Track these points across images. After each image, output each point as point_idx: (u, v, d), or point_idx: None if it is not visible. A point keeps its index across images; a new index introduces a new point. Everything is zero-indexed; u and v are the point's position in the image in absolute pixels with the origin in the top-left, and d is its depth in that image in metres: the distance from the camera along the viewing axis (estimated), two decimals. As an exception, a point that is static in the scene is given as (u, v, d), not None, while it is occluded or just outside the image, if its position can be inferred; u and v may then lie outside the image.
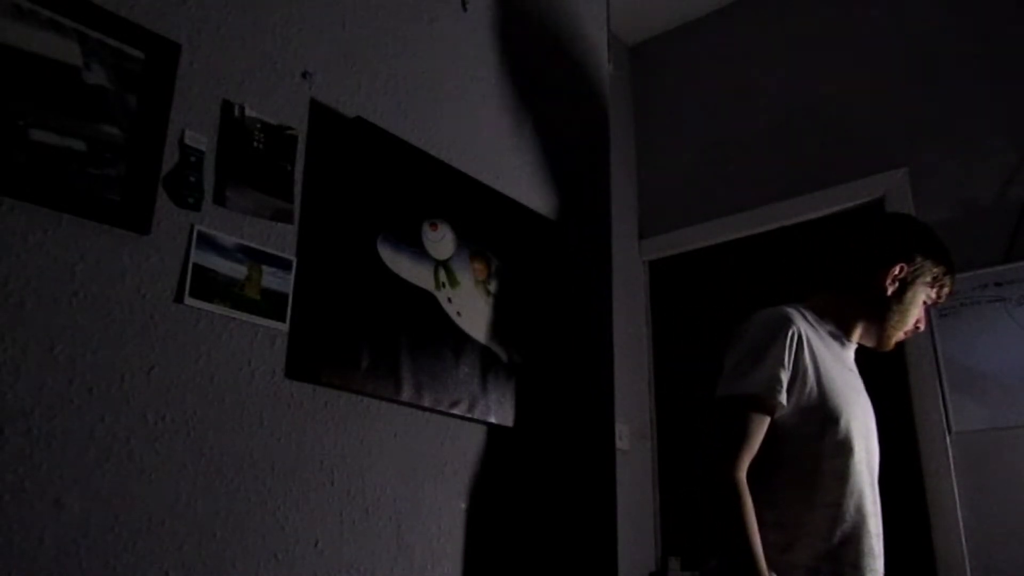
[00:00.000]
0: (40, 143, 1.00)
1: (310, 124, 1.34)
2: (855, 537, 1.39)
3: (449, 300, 1.49)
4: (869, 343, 1.56)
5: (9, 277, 0.96)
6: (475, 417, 1.47)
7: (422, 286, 1.44)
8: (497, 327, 1.57)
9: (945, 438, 2.29)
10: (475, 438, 1.50)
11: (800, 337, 1.41)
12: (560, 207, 1.85)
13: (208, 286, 1.14)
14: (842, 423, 1.40)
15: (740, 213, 2.94)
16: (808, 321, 1.49)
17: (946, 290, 1.56)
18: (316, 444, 1.24)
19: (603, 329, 1.89)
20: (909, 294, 1.51)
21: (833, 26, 2.91)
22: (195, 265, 1.13)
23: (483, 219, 1.61)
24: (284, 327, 1.22)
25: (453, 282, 1.51)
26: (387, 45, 1.52)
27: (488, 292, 1.58)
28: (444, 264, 1.50)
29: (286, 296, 1.23)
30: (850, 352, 1.55)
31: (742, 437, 1.35)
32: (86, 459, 0.99)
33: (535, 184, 1.80)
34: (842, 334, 1.53)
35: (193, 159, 1.16)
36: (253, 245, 1.21)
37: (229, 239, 1.18)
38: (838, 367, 1.47)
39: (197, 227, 1.15)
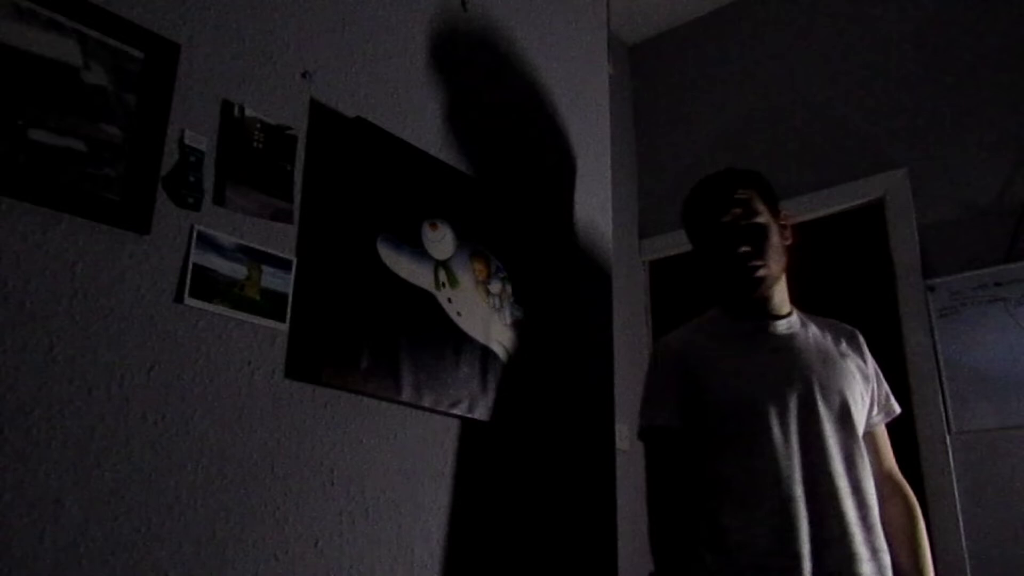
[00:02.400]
0: (40, 143, 1.00)
1: (310, 124, 1.34)
2: (784, 542, 1.34)
3: (449, 300, 1.49)
4: (745, 297, 1.52)
5: (9, 277, 0.96)
6: (475, 417, 1.47)
7: (422, 286, 1.44)
8: (497, 327, 1.57)
9: (945, 438, 2.29)
10: (475, 438, 1.50)
11: (676, 358, 1.52)
12: (560, 207, 1.85)
13: (208, 286, 1.14)
14: (749, 420, 1.41)
15: (740, 213, 2.94)
16: (704, 331, 1.55)
17: (706, 205, 1.54)
18: (316, 444, 1.24)
19: (603, 329, 1.89)
20: (700, 243, 1.55)
21: (833, 26, 2.91)
22: (195, 265, 1.13)
23: (483, 219, 1.61)
24: (284, 327, 1.22)
25: (453, 282, 1.51)
26: (387, 45, 1.52)
27: (488, 292, 1.58)
28: (444, 264, 1.50)
29: (286, 296, 1.23)
30: (782, 326, 1.50)
31: (651, 471, 1.50)
32: (86, 459, 0.99)
33: (535, 184, 1.80)
34: (763, 315, 1.51)
35: (193, 159, 1.16)
36: (253, 245, 1.21)
37: (229, 239, 1.18)
38: (751, 357, 1.47)
39: (197, 227, 1.15)
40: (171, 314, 1.10)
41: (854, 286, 2.64)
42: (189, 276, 1.12)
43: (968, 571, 2.17)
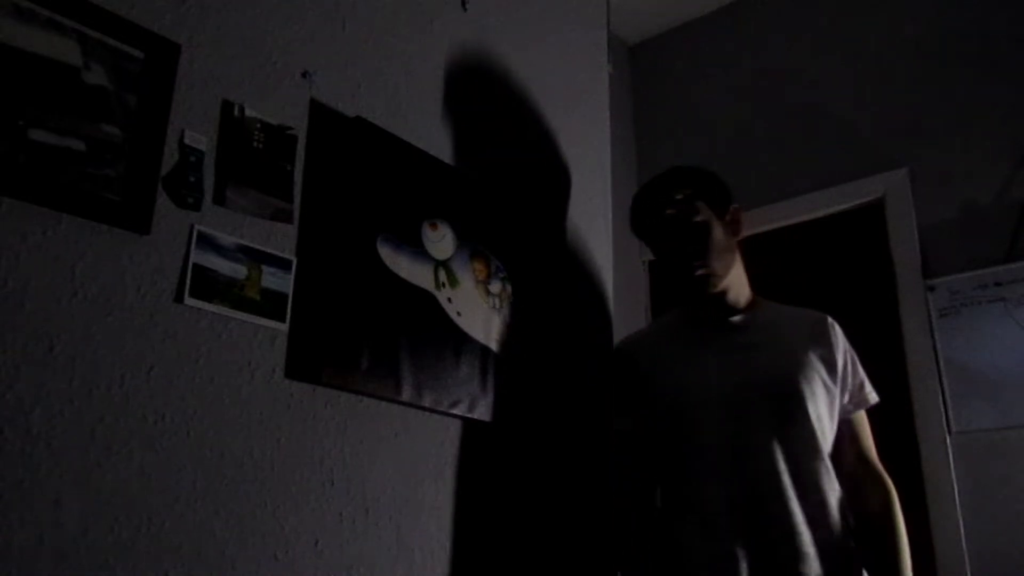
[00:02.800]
0: (40, 143, 1.00)
1: (310, 124, 1.34)
2: (720, 542, 1.34)
3: (449, 300, 1.49)
4: (694, 296, 1.55)
5: (9, 277, 0.96)
6: (475, 417, 1.47)
7: (422, 286, 1.44)
8: (497, 327, 1.57)
9: (945, 438, 2.29)
10: (475, 438, 1.50)
11: (625, 359, 1.58)
12: (560, 207, 1.85)
13: (208, 286, 1.14)
14: (682, 420, 1.45)
15: (740, 213, 2.94)
16: (661, 330, 1.61)
17: (643, 205, 1.57)
18: (316, 444, 1.24)
19: (603, 329, 1.89)
20: (646, 243, 1.58)
21: (833, 26, 2.91)
22: (195, 265, 1.13)
23: (483, 219, 1.61)
24: (284, 327, 1.22)
25: (453, 282, 1.51)
26: (387, 45, 1.52)
27: (488, 292, 1.58)
28: (444, 264, 1.50)
29: (286, 296, 1.23)
30: (736, 321, 1.50)
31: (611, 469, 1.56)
32: (86, 459, 0.99)
33: (535, 184, 1.80)
34: (718, 311, 1.52)
35: (193, 159, 1.16)
36: (253, 245, 1.21)
37: (229, 239, 1.18)
38: (695, 356, 1.48)
39: (197, 227, 1.15)
40: (171, 314, 1.10)
41: (854, 286, 2.64)
42: (189, 276, 1.12)
43: (968, 571, 2.17)
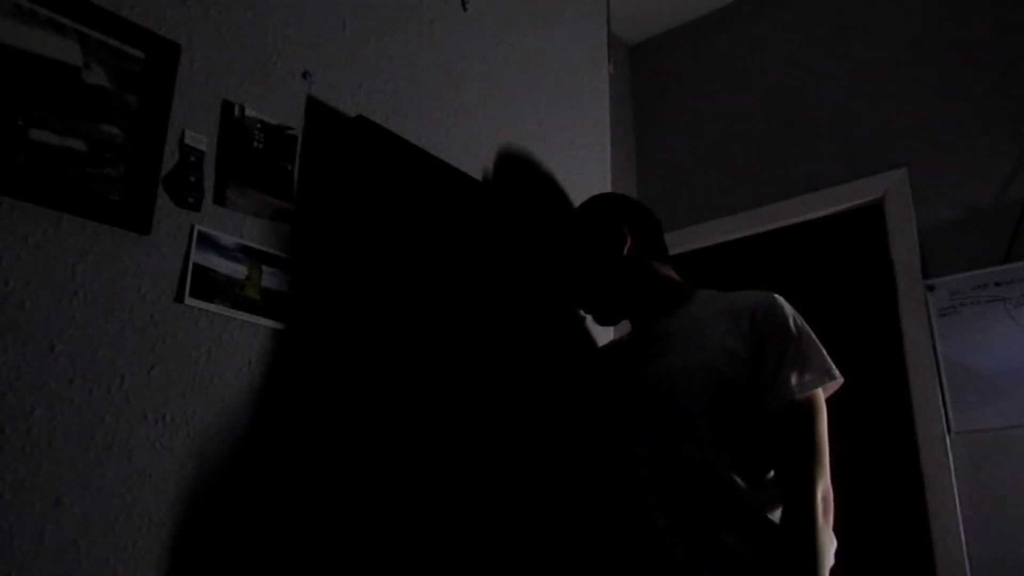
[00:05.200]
0: (40, 143, 1.00)
1: (310, 124, 1.34)
2: (651, 555, 1.32)
3: (449, 300, 1.49)
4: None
5: (9, 277, 0.96)
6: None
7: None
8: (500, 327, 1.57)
9: (945, 438, 2.29)
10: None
11: (588, 373, 1.63)
12: (561, 207, 1.85)
13: (208, 286, 1.14)
14: (607, 439, 1.47)
15: (740, 213, 2.94)
16: (608, 352, 1.67)
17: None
18: (316, 444, 1.24)
19: (603, 328, 1.89)
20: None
21: (833, 26, 2.91)
22: (195, 265, 1.13)
23: (483, 219, 1.61)
24: (284, 327, 1.22)
25: (453, 282, 1.51)
26: (387, 45, 1.52)
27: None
28: (444, 264, 1.50)
29: (286, 296, 1.23)
30: (658, 330, 1.47)
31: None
32: (86, 459, 0.99)
33: (536, 185, 1.80)
34: (645, 321, 1.53)
35: (193, 159, 1.16)
36: (253, 245, 1.21)
37: (229, 239, 1.18)
38: (623, 368, 1.50)
39: (197, 227, 1.15)
40: (171, 314, 1.10)
41: (854, 286, 2.64)
42: (189, 276, 1.12)
43: (968, 571, 2.17)
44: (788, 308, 1.37)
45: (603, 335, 1.88)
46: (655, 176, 3.25)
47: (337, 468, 1.26)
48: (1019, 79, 2.44)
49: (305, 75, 1.35)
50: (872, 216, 2.66)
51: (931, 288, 2.42)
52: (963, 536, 2.20)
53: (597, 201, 1.63)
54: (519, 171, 1.77)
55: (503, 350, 1.57)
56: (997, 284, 2.32)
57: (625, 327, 1.66)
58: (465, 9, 1.73)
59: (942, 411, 2.31)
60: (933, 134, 2.57)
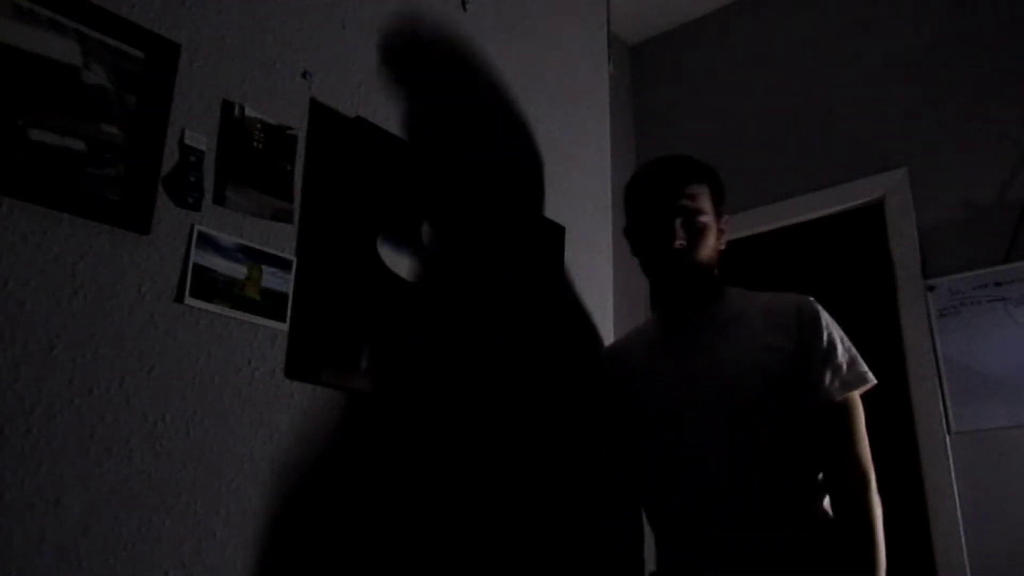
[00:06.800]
0: (40, 143, 1.00)
1: (310, 124, 1.34)
2: (678, 551, 1.38)
3: (449, 300, 1.49)
4: (671, 295, 1.52)
5: (9, 277, 0.96)
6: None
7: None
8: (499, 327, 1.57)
9: (945, 438, 2.29)
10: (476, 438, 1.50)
11: (602, 370, 1.60)
12: (560, 207, 1.85)
13: (208, 286, 1.14)
14: (646, 430, 1.46)
15: (740, 213, 2.94)
16: (638, 335, 1.60)
17: (654, 188, 1.50)
18: (316, 444, 1.24)
19: (603, 329, 1.89)
20: (636, 222, 1.53)
21: (833, 26, 2.91)
22: (195, 265, 1.13)
23: (483, 219, 1.61)
24: (284, 327, 1.22)
25: (453, 282, 1.51)
26: (387, 45, 1.52)
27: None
28: (444, 264, 1.50)
29: (286, 296, 1.23)
30: (698, 324, 1.47)
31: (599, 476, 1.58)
32: (86, 459, 0.99)
33: (535, 185, 1.80)
34: (667, 319, 1.52)
35: (193, 159, 1.16)
36: (253, 245, 1.21)
37: (229, 239, 1.18)
38: (654, 362, 1.49)
39: (197, 227, 1.15)
40: (171, 314, 1.10)
41: (854, 286, 2.64)
42: (189, 276, 1.12)
43: (968, 571, 2.17)
44: (827, 314, 1.45)
45: (603, 335, 1.88)
46: (655, 176, 3.25)
47: (337, 468, 1.26)
48: (1019, 79, 2.44)
49: (305, 75, 1.35)
50: (872, 216, 2.66)
51: (931, 288, 2.42)
52: (963, 536, 2.20)
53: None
54: (519, 171, 1.77)
55: (503, 350, 1.57)
56: (997, 284, 2.32)
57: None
58: (465, 9, 1.73)
59: (942, 411, 2.31)
60: (933, 134, 2.57)
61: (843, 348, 1.39)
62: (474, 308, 1.54)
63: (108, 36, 1.08)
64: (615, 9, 2.43)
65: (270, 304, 1.21)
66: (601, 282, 1.93)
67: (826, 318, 1.42)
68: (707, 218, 1.47)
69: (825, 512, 1.37)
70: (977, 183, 2.44)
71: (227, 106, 1.22)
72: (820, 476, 1.38)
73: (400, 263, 1.41)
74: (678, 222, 1.43)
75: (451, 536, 1.40)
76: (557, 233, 1.80)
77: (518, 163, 1.77)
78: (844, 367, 1.37)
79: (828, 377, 1.36)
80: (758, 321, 1.42)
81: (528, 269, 1.69)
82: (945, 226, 2.47)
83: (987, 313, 2.31)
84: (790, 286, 1.58)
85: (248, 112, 1.25)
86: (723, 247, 1.52)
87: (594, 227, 1.95)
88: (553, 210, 1.82)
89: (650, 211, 1.48)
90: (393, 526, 1.30)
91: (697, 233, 1.45)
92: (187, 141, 1.16)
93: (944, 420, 2.30)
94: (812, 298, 1.45)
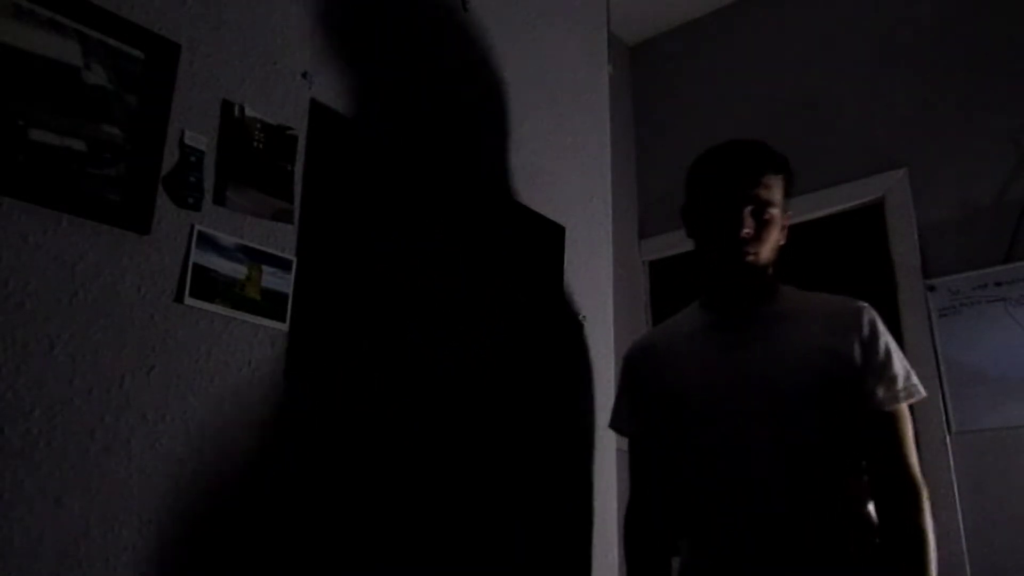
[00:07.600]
0: (40, 143, 1.00)
1: (310, 124, 1.34)
2: (709, 547, 1.37)
3: (449, 300, 1.49)
4: (725, 284, 1.48)
5: (9, 277, 0.96)
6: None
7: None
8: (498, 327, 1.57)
9: (945, 438, 2.29)
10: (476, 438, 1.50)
11: (631, 362, 1.57)
12: (560, 208, 1.85)
13: (208, 286, 1.14)
14: (682, 425, 1.43)
15: (740, 213, 2.94)
16: (675, 328, 1.55)
17: (730, 174, 1.44)
18: (316, 444, 1.23)
19: (603, 329, 1.89)
20: (700, 205, 1.48)
21: (833, 26, 2.91)
22: (195, 265, 1.13)
23: (482, 219, 1.61)
24: (284, 327, 1.22)
25: (453, 282, 1.51)
26: (387, 45, 1.52)
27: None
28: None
29: (286, 296, 1.23)
30: (749, 318, 1.44)
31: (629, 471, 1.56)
32: (86, 459, 0.99)
33: (535, 185, 1.80)
34: (733, 307, 1.46)
35: (193, 159, 1.16)
36: (253, 245, 1.21)
37: (229, 239, 1.18)
38: (699, 355, 1.45)
39: (197, 227, 1.15)
40: (171, 314, 1.10)
41: (854, 286, 2.62)
42: (189, 276, 1.12)
43: (968, 571, 2.17)
44: (882, 321, 1.43)
45: (602, 335, 1.88)
46: (655, 176, 3.25)
47: (337, 468, 1.26)
48: (1019, 79, 2.44)
49: (305, 75, 1.35)
50: (872, 216, 2.66)
51: (931, 288, 2.42)
52: (963, 536, 2.20)
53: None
54: (519, 172, 1.77)
55: (502, 350, 1.57)
56: (997, 284, 2.32)
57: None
58: (465, 9, 1.73)
59: (942, 411, 2.31)
60: (933, 134, 2.57)
61: (899, 358, 1.39)
62: (473, 308, 1.54)
63: (108, 36, 1.08)
64: (615, 9, 2.43)
65: (270, 304, 1.21)
66: (601, 282, 1.93)
67: (883, 326, 1.41)
68: (776, 211, 1.43)
69: (868, 517, 1.35)
70: (977, 183, 2.44)
71: (227, 106, 1.22)
72: (864, 482, 1.36)
73: (400, 263, 1.41)
74: (747, 210, 1.40)
75: (451, 536, 1.40)
76: (557, 233, 1.80)
77: (518, 163, 1.77)
78: (900, 379, 1.37)
79: (884, 386, 1.36)
80: (814, 321, 1.41)
81: (528, 269, 1.69)
82: (945, 226, 2.47)
83: (987, 313, 2.31)
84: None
85: (248, 112, 1.25)
86: (783, 242, 1.50)
87: (594, 227, 1.95)
88: (553, 210, 1.82)
89: (719, 196, 1.42)
90: (393, 526, 1.30)
91: (764, 225, 1.41)
92: (187, 141, 1.16)
93: (944, 420, 2.30)
94: (868, 304, 1.43)
